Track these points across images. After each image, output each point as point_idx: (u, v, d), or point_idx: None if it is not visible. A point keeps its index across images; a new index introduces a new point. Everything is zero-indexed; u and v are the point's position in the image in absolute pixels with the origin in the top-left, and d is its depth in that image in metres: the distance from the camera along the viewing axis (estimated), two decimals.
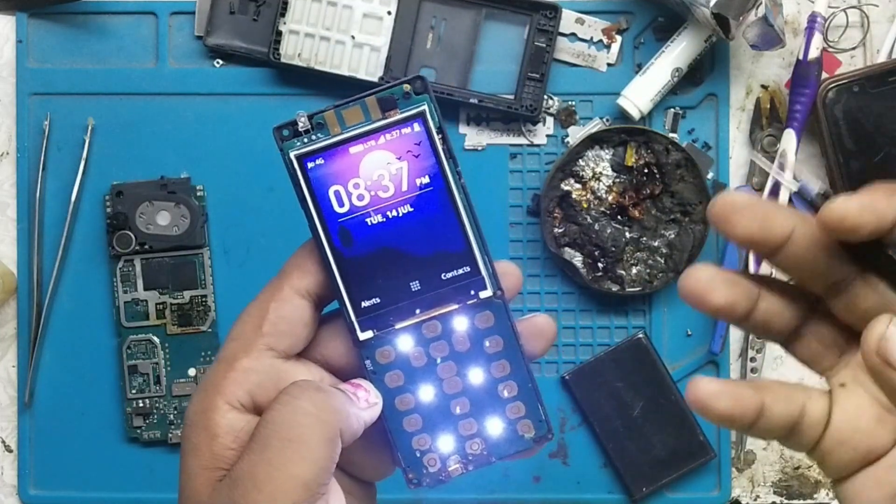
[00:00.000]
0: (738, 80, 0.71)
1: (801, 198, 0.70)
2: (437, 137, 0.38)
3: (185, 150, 0.71)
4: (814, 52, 0.66)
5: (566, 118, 0.71)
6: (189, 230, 0.69)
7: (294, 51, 0.69)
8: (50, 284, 0.70)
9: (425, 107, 0.38)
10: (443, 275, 0.39)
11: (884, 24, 0.71)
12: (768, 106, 0.70)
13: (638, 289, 0.70)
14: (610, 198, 0.70)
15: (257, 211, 0.71)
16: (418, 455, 0.40)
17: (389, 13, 0.68)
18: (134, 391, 0.70)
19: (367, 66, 0.68)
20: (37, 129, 0.70)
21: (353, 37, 0.68)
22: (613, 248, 0.69)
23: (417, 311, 0.39)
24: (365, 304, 0.39)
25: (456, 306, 0.39)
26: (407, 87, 0.38)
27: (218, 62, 0.71)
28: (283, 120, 0.39)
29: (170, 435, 0.71)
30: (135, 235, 0.69)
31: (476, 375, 0.40)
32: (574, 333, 0.71)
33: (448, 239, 0.39)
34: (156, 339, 0.70)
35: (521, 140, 0.71)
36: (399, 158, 0.38)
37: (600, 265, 0.70)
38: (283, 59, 0.69)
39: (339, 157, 0.38)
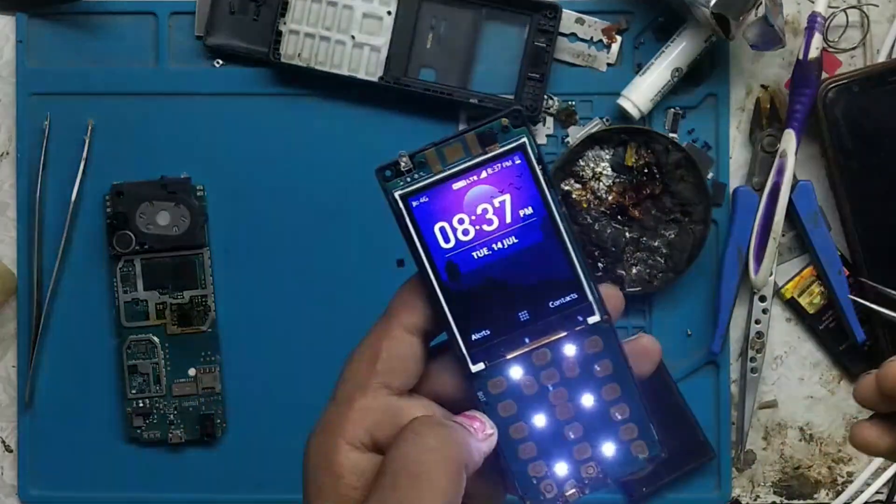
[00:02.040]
0: (738, 80, 0.71)
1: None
2: (537, 168, 0.39)
3: (185, 150, 0.71)
4: (814, 52, 0.66)
5: (566, 118, 0.71)
6: (189, 230, 0.69)
7: (294, 51, 0.69)
8: (50, 284, 0.70)
9: (525, 139, 0.38)
10: (550, 303, 0.39)
11: (884, 24, 0.71)
12: (768, 106, 0.70)
13: (638, 289, 0.70)
14: (610, 198, 0.70)
15: (257, 211, 0.71)
16: (535, 482, 0.40)
17: (389, 13, 0.68)
18: (134, 391, 0.70)
19: (367, 66, 0.68)
20: (37, 129, 0.70)
21: (353, 37, 0.68)
22: (613, 248, 0.69)
23: (527, 341, 0.39)
24: (475, 336, 0.39)
25: (564, 333, 0.40)
26: (505, 120, 0.38)
27: (218, 62, 0.71)
28: (384, 161, 0.39)
29: (170, 435, 0.71)
30: (135, 235, 0.69)
31: (587, 400, 0.40)
32: None
33: (554, 267, 0.39)
34: (156, 339, 0.70)
35: None
36: (501, 192, 0.39)
37: (600, 265, 0.70)
38: (283, 59, 0.69)
39: (442, 194, 0.39)
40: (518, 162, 0.39)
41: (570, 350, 0.40)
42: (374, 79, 0.68)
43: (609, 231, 0.69)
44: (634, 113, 0.68)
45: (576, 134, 0.71)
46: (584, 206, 0.70)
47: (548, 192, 0.39)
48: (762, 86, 0.71)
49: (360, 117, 0.70)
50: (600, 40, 0.70)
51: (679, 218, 0.69)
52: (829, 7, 0.68)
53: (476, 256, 0.39)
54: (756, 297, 0.70)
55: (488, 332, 0.39)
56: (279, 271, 0.71)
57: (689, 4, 0.65)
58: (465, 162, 0.39)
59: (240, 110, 0.71)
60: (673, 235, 0.70)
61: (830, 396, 0.72)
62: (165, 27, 0.71)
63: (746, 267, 0.69)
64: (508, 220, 0.39)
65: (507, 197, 0.39)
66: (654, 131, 0.69)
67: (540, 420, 0.40)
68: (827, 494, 0.72)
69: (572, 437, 0.40)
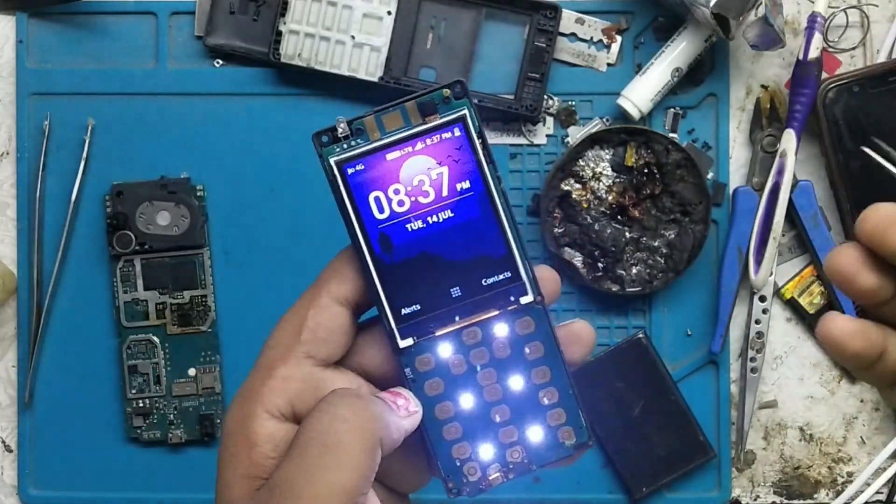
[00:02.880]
0: (738, 80, 0.71)
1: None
2: (477, 142, 0.38)
3: (185, 150, 0.71)
4: (814, 52, 0.66)
5: (566, 118, 0.71)
6: (189, 230, 0.69)
7: (294, 51, 0.69)
8: (50, 284, 0.70)
9: (466, 111, 0.38)
10: (483, 280, 0.39)
11: (884, 24, 0.71)
12: (768, 106, 0.70)
13: (638, 289, 0.70)
14: (610, 198, 0.70)
15: (257, 211, 0.71)
16: (458, 464, 0.39)
17: (389, 13, 0.68)
18: (134, 391, 0.70)
19: (367, 66, 0.69)
20: (37, 129, 0.70)
21: (353, 37, 0.68)
22: (613, 248, 0.69)
23: (457, 318, 0.39)
24: (405, 311, 0.38)
25: (496, 312, 0.39)
26: (447, 91, 0.38)
27: (218, 62, 0.71)
28: (322, 126, 0.38)
29: (170, 435, 0.71)
30: (135, 235, 0.69)
31: (516, 382, 0.39)
32: None
33: (489, 244, 0.38)
34: (156, 339, 0.70)
35: (521, 140, 0.71)
36: (439, 163, 0.38)
37: (600, 265, 0.70)
38: (283, 59, 0.69)
39: (379, 163, 0.38)
40: (458, 134, 0.38)
41: (500, 330, 0.39)
42: (374, 79, 0.68)
43: (609, 231, 0.69)
44: (634, 113, 0.68)
45: (576, 134, 0.70)
46: (584, 206, 0.69)
47: (486, 167, 0.38)
48: (762, 86, 0.71)
49: None
50: (600, 40, 0.70)
51: (679, 218, 0.69)
52: (829, 7, 0.68)
53: (410, 229, 0.38)
54: (756, 297, 0.70)
55: (419, 307, 0.38)
56: (279, 271, 0.71)
57: (689, 4, 0.65)
58: (403, 131, 0.38)
59: (240, 110, 0.71)
60: (673, 235, 0.70)
61: (830, 396, 0.72)
62: (165, 27, 0.71)
63: (746, 267, 0.69)
64: (445, 193, 0.38)
65: (444, 169, 0.38)
66: (654, 131, 0.69)
67: (467, 400, 0.39)
68: (827, 494, 0.72)
69: (499, 419, 0.39)
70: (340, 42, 0.69)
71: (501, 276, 0.39)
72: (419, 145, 0.38)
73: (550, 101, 0.70)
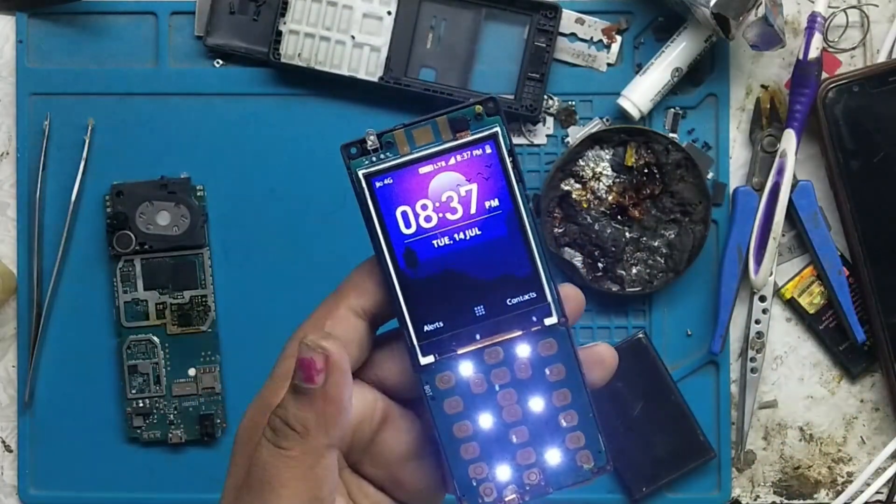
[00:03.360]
0: (738, 80, 0.71)
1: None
2: (508, 160, 0.38)
3: (185, 150, 0.71)
4: (814, 52, 0.66)
5: (566, 118, 0.71)
6: (189, 230, 0.69)
7: (294, 51, 0.69)
8: (50, 284, 0.70)
9: (497, 129, 0.37)
10: (508, 300, 0.38)
11: (884, 24, 0.71)
12: (768, 106, 0.70)
13: (638, 289, 0.70)
14: (610, 198, 0.70)
15: (257, 211, 0.71)
16: (474, 484, 0.39)
17: (389, 13, 0.68)
18: (134, 391, 0.70)
19: (367, 66, 0.69)
20: (37, 129, 0.70)
21: (353, 37, 0.68)
22: (613, 248, 0.69)
23: (479, 337, 0.38)
24: (427, 328, 0.38)
25: (520, 332, 0.38)
26: (479, 108, 0.37)
27: (218, 62, 0.71)
28: (350, 138, 0.38)
29: (170, 435, 0.71)
30: (135, 235, 0.69)
31: (536, 404, 0.39)
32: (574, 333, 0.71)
33: (515, 264, 0.38)
34: (156, 339, 0.70)
35: (521, 140, 0.71)
36: (469, 180, 0.37)
37: (600, 265, 0.70)
38: (283, 59, 0.69)
39: (407, 177, 0.37)
40: (489, 151, 0.37)
41: (523, 350, 0.38)
42: (374, 79, 0.68)
43: (609, 231, 0.69)
44: (634, 113, 0.68)
45: (576, 134, 0.70)
46: (584, 206, 0.69)
47: (516, 186, 0.38)
48: (762, 86, 0.71)
49: (360, 117, 0.70)
50: (600, 40, 0.70)
51: (679, 218, 0.69)
52: (829, 7, 0.68)
53: (436, 245, 0.38)
54: (756, 297, 0.70)
55: (441, 325, 0.38)
56: (279, 271, 0.71)
57: (689, 4, 0.65)
58: (434, 146, 0.37)
59: (240, 110, 0.71)
60: (673, 235, 0.70)
61: (830, 396, 0.72)
62: (165, 27, 0.71)
63: (746, 267, 0.69)
64: (473, 210, 0.38)
65: (474, 186, 0.37)
66: (654, 131, 0.69)
67: (486, 420, 0.38)
68: (827, 494, 0.72)
69: (517, 440, 0.39)
70: (340, 42, 0.69)
71: (526, 297, 0.38)
72: (450, 161, 0.37)
73: (550, 101, 0.70)
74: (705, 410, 0.71)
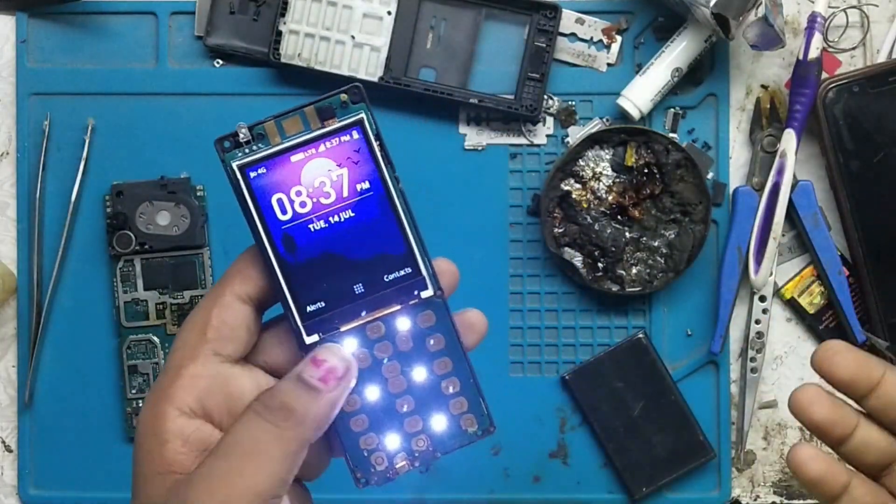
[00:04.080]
0: (738, 80, 0.71)
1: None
2: (375, 144, 0.39)
3: (185, 150, 0.71)
4: (814, 52, 0.66)
5: (566, 118, 0.71)
6: (189, 230, 0.69)
7: (294, 51, 0.69)
8: (50, 284, 0.70)
9: (363, 115, 0.39)
10: (385, 277, 0.40)
11: (884, 24, 0.71)
12: (768, 106, 0.70)
13: (638, 289, 0.70)
14: (610, 198, 0.70)
15: None
16: (366, 454, 0.41)
17: (389, 13, 0.68)
18: (134, 391, 0.70)
19: (367, 66, 0.69)
20: (37, 129, 0.70)
21: (353, 37, 0.68)
22: (613, 248, 0.69)
23: (362, 314, 0.40)
24: (310, 308, 0.40)
25: (399, 307, 0.40)
26: (344, 96, 0.40)
27: (218, 62, 0.71)
28: (224, 132, 0.39)
29: None
30: (135, 235, 0.69)
31: (419, 373, 0.41)
32: (574, 333, 0.71)
33: (389, 242, 0.40)
34: (156, 339, 0.70)
35: (521, 140, 0.71)
36: (339, 165, 0.39)
37: (600, 265, 0.70)
38: (283, 59, 0.69)
39: (280, 166, 0.39)
40: (356, 137, 0.39)
41: (403, 324, 0.40)
42: (374, 79, 0.68)
43: (609, 231, 0.69)
44: (634, 113, 0.68)
45: (576, 134, 0.70)
46: (584, 206, 0.70)
47: (384, 168, 0.40)
48: (762, 86, 0.71)
49: None
50: (600, 40, 0.70)
51: (679, 218, 0.69)
52: (829, 7, 0.68)
53: (313, 229, 0.40)
54: (756, 297, 0.70)
55: (323, 305, 0.40)
56: None
57: (689, 4, 0.65)
58: (303, 135, 0.39)
59: (240, 110, 0.71)
60: (673, 235, 0.70)
61: None
62: (165, 27, 0.71)
63: (746, 267, 0.69)
64: (346, 193, 0.40)
65: (344, 171, 0.39)
66: (654, 131, 0.69)
67: (373, 393, 0.41)
68: None
69: (404, 409, 0.41)
70: (340, 42, 0.69)
71: (402, 273, 0.40)
72: (320, 148, 0.39)
73: (550, 101, 0.70)
74: (705, 410, 0.71)
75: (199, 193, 0.70)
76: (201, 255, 0.70)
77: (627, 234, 0.70)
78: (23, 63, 0.71)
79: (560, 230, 0.70)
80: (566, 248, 0.70)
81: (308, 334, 0.40)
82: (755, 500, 0.72)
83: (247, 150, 0.39)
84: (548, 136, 0.71)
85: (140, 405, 0.70)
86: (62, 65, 0.71)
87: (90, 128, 0.70)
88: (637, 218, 0.69)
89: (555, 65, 0.70)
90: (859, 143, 0.68)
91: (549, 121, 0.71)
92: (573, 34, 0.70)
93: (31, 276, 0.70)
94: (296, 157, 0.39)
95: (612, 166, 0.69)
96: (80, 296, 0.71)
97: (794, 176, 0.69)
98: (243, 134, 0.39)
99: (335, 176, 0.39)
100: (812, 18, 0.67)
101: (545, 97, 0.70)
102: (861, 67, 0.69)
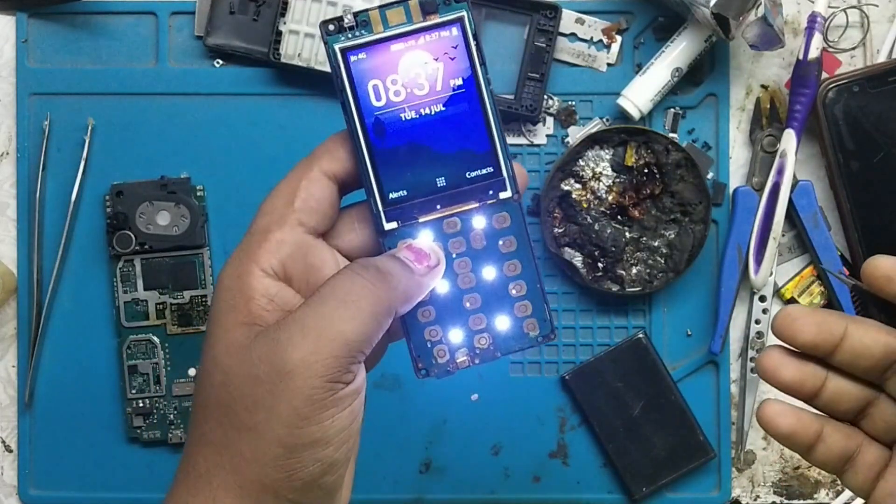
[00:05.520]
0: (738, 80, 0.71)
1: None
2: (472, 42, 0.41)
3: (185, 150, 0.71)
4: (814, 52, 0.66)
5: (566, 118, 0.71)
6: (189, 230, 0.69)
7: (294, 51, 0.69)
8: (50, 284, 0.70)
9: (464, 13, 0.40)
10: (467, 173, 0.41)
11: (884, 24, 0.71)
12: (768, 106, 0.70)
13: (638, 289, 0.70)
14: (610, 198, 0.70)
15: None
16: (429, 346, 0.42)
17: None
18: (134, 391, 0.70)
19: None
20: (37, 129, 0.70)
21: None
22: (613, 248, 0.69)
23: (439, 207, 0.41)
24: (392, 195, 0.41)
25: (477, 205, 0.41)
26: None
27: (218, 62, 0.71)
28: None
29: (170, 435, 0.71)
30: (135, 235, 0.69)
31: (489, 272, 0.42)
32: (574, 333, 0.71)
33: (475, 139, 0.41)
34: (156, 339, 0.70)
35: (521, 140, 0.71)
36: (436, 59, 0.40)
37: (600, 265, 0.70)
38: (283, 59, 0.69)
39: (380, 54, 0.40)
40: (455, 33, 0.40)
41: (479, 222, 0.41)
42: None
43: (609, 231, 0.69)
44: (634, 113, 0.68)
45: (576, 134, 0.70)
46: (584, 206, 0.70)
47: (479, 67, 0.41)
48: (762, 86, 0.71)
49: None
50: (600, 40, 0.70)
51: (679, 218, 0.69)
52: (829, 7, 0.68)
53: (403, 118, 0.41)
54: (756, 297, 0.70)
55: (405, 193, 0.41)
56: None
57: (689, 4, 0.65)
58: (405, 26, 0.40)
59: (240, 110, 0.71)
60: (673, 235, 0.70)
61: None
62: (165, 27, 0.71)
63: (746, 267, 0.69)
64: (439, 87, 0.41)
65: (440, 65, 0.40)
66: (654, 131, 0.69)
67: (442, 286, 0.42)
68: (827, 494, 0.72)
69: (470, 306, 0.42)
70: None
71: (484, 171, 0.41)
72: (419, 40, 0.40)
73: (550, 101, 0.70)
74: (705, 410, 0.71)
75: (199, 193, 0.70)
76: (201, 255, 0.70)
77: (627, 234, 0.70)
78: (23, 63, 0.71)
79: (560, 230, 0.70)
80: (566, 248, 0.70)
81: (387, 220, 0.41)
82: (755, 500, 0.72)
83: (350, 35, 0.40)
84: (548, 136, 0.71)
85: (140, 405, 0.70)
86: (62, 65, 0.71)
87: (90, 128, 0.70)
88: (637, 218, 0.69)
89: (555, 65, 0.70)
90: (859, 143, 0.68)
91: (549, 121, 0.71)
92: (573, 34, 0.70)
93: (31, 276, 0.70)
94: (396, 47, 0.40)
95: (612, 166, 0.69)
96: (80, 296, 0.71)
97: (794, 176, 0.69)
98: (348, 19, 0.40)
99: (431, 69, 0.40)
100: (812, 18, 0.67)
101: (545, 97, 0.70)
102: (861, 67, 0.69)
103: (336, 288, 0.38)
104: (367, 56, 0.40)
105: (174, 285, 0.70)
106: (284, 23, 0.68)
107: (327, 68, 0.69)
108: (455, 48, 0.40)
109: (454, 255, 0.42)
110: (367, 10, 0.40)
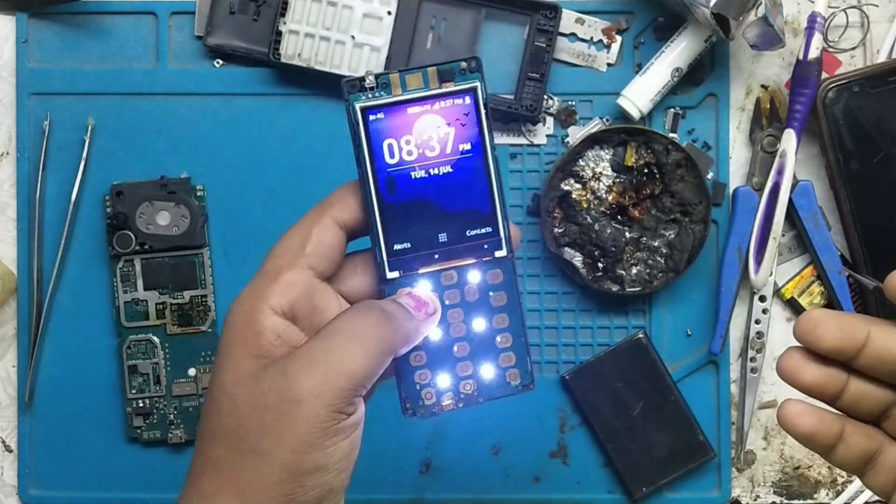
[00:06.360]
0: (738, 80, 0.71)
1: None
2: (483, 112, 0.43)
3: (185, 150, 0.71)
4: (814, 52, 0.66)
5: (566, 118, 0.71)
6: (189, 230, 0.69)
7: (294, 51, 0.69)
8: (50, 284, 0.70)
9: (478, 84, 0.43)
10: (468, 231, 0.44)
11: (884, 24, 0.71)
12: (768, 106, 0.70)
13: (638, 289, 0.70)
14: (610, 198, 0.70)
15: (257, 211, 0.71)
16: (418, 388, 0.45)
17: (389, 13, 0.68)
18: (134, 391, 0.70)
19: (367, 66, 0.68)
20: (37, 129, 0.70)
21: (353, 37, 0.68)
22: (613, 248, 0.69)
23: (438, 259, 0.44)
24: (397, 246, 0.44)
25: (473, 261, 0.44)
26: (464, 64, 0.43)
27: (218, 62, 0.71)
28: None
29: (170, 435, 0.71)
30: (135, 235, 0.69)
31: (479, 324, 0.45)
32: (574, 333, 0.71)
33: (478, 201, 0.44)
34: (156, 339, 0.70)
35: (521, 140, 0.71)
36: (448, 124, 0.43)
37: (600, 265, 0.70)
38: (283, 59, 0.69)
39: (397, 115, 0.43)
40: (468, 102, 0.43)
41: (474, 277, 0.44)
42: None
43: (609, 231, 0.69)
44: (634, 113, 0.68)
45: (576, 134, 0.70)
46: (584, 206, 0.69)
47: (487, 134, 0.43)
48: (762, 86, 0.71)
49: None
50: (600, 40, 0.70)
51: (679, 218, 0.69)
52: (829, 7, 0.68)
53: (414, 176, 0.43)
54: (756, 297, 0.70)
55: (408, 245, 0.44)
56: None
57: (689, 4, 0.65)
58: (422, 91, 0.43)
59: (240, 110, 0.71)
60: (673, 235, 0.70)
61: None
62: (165, 27, 0.71)
63: (746, 267, 0.69)
64: (449, 150, 0.43)
65: (452, 130, 0.43)
66: (654, 131, 0.69)
67: (435, 333, 0.44)
68: (827, 494, 0.72)
69: (459, 354, 0.45)
70: (340, 42, 0.69)
71: (483, 230, 0.44)
72: (434, 106, 0.43)
73: (550, 101, 0.70)
74: (705, 410, 0.71)
75: (199, 193, 0.70)
76: (201, 255, 0.70)
77: (627, 234, 0.70)
78: (23, 63, 0.71)
79: (560, 230, 0.70)
80: (566, 248, 0.70)
81: (390, 270, 0.44)
82: (755, 500, 0.72)
83: (370, 95, 0.43)
84: (548, 136, 0.71)
85: (140, 405, 0.70)
86: (62, 65, 0.71)
87: (90, 128, 0.70)
88: (637, 218, 0.69)
89: (555, 65, 0.70)
90: (859, 143, 0.68)
91: (549, 121, 0.71)
92: (573, 34, 0.70)
93: (31, 276, 0.70)
94: (412, 110, 0.43)
95: (612, 166, 0.69)
96: (80, 296, 0.71)
97: (794, 176, 0.69)
98: (369, 80, 0.43)
99: (443, 133, 0.43)
100: (812, 18, 0.67)
101: (545, 97, 0.70)
102: (861, 67, 0.69)
103: (344, 326, 0.41)
104: (385, 116, 0.43)
105: (174, 285, 0.70)
106: (284, 23, 0.68)
107: (327, 68, 0.69)
108: (466, 115, 0.43)
109: (449, 305, 0.44)
110: (387, 73, 0.43)
